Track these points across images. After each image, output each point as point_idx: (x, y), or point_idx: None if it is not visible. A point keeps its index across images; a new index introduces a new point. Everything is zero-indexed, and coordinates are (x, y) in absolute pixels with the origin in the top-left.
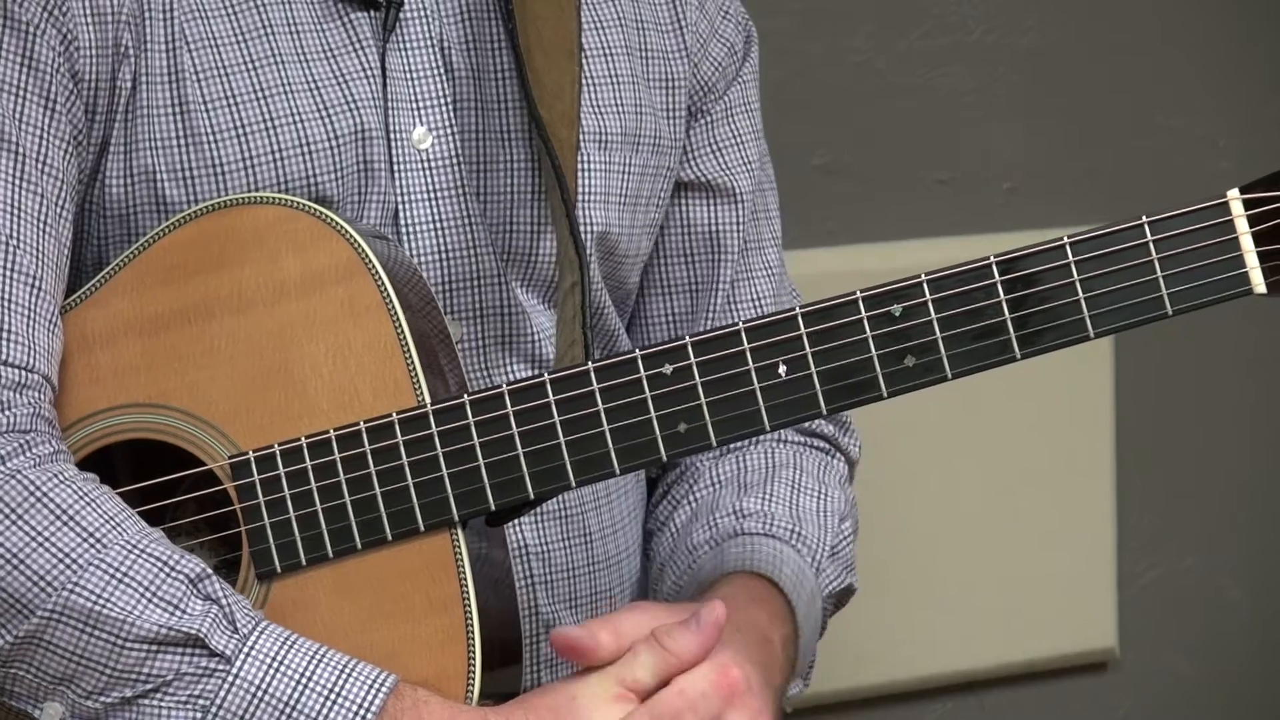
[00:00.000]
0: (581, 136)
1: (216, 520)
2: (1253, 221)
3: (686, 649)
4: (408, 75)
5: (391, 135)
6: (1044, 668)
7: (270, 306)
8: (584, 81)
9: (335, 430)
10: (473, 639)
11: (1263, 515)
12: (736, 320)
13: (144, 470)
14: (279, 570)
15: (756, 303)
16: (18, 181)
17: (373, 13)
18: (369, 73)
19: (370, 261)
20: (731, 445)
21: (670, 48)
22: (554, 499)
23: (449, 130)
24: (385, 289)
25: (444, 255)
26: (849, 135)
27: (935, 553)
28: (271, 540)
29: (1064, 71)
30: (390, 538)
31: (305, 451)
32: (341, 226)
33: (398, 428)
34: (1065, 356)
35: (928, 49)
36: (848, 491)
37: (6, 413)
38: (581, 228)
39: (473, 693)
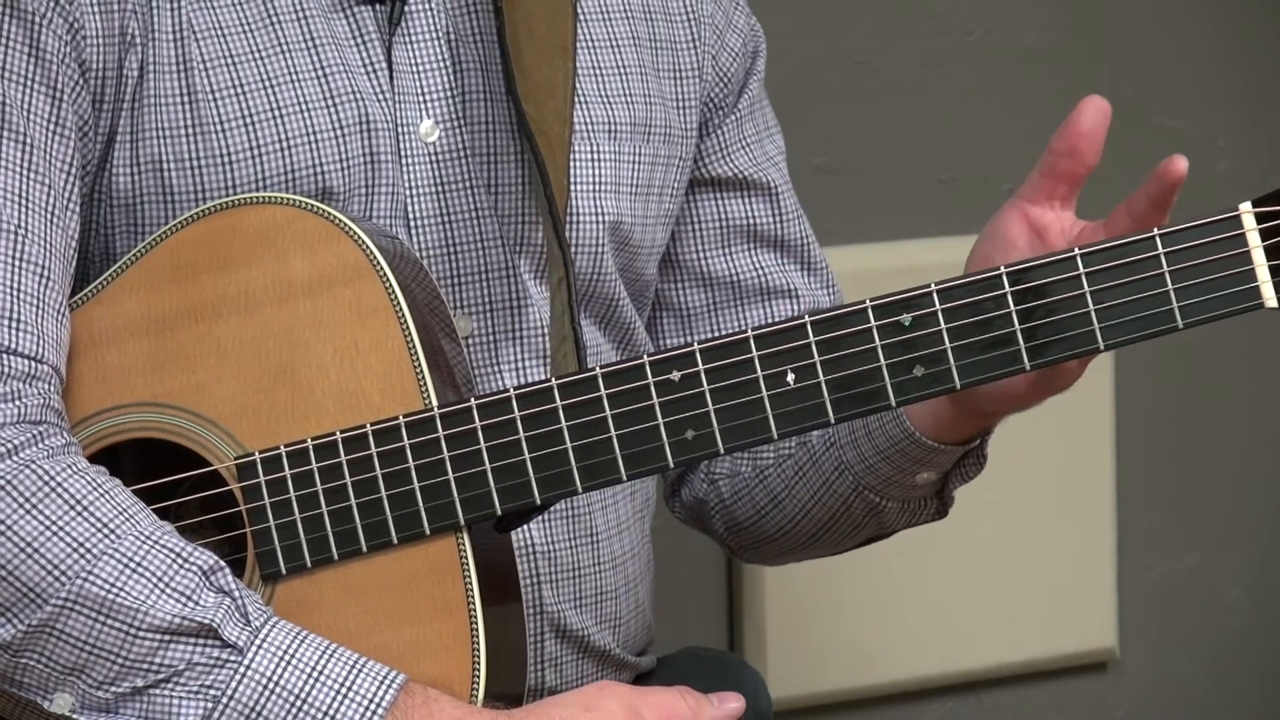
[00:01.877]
0: (589, 128)
1: (221, 521)
2: (1264, 235)
3: (703, 714)
4: (414, 68)
5: (399, 128)
6: (1044, 668)
7: (277, 307)
8: (592, 72)
9: (341, 432)
10: (478, 642)
11: (1262, 515)
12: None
13: (149, 470)
14: (284, 572)
15: (793, 295)
16: (25, 172)
17: (377, 6)
18: (375, 66)
19: (378, 262)
20: None
21: (680, 38)
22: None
23: (456, 123)
24: (393, 290)
25: (452, 249)
26: (849, 135)
27: (935, 553)
28: (277, 542)
29: (1064, 71)
30: (395, 541)
31: (311, 453)
32: (349, 227)
33: (404, 431)
34: None
35: (928, 49)
36: None
37: (18, 403)
38: (592, 218)
39: (477, 696)
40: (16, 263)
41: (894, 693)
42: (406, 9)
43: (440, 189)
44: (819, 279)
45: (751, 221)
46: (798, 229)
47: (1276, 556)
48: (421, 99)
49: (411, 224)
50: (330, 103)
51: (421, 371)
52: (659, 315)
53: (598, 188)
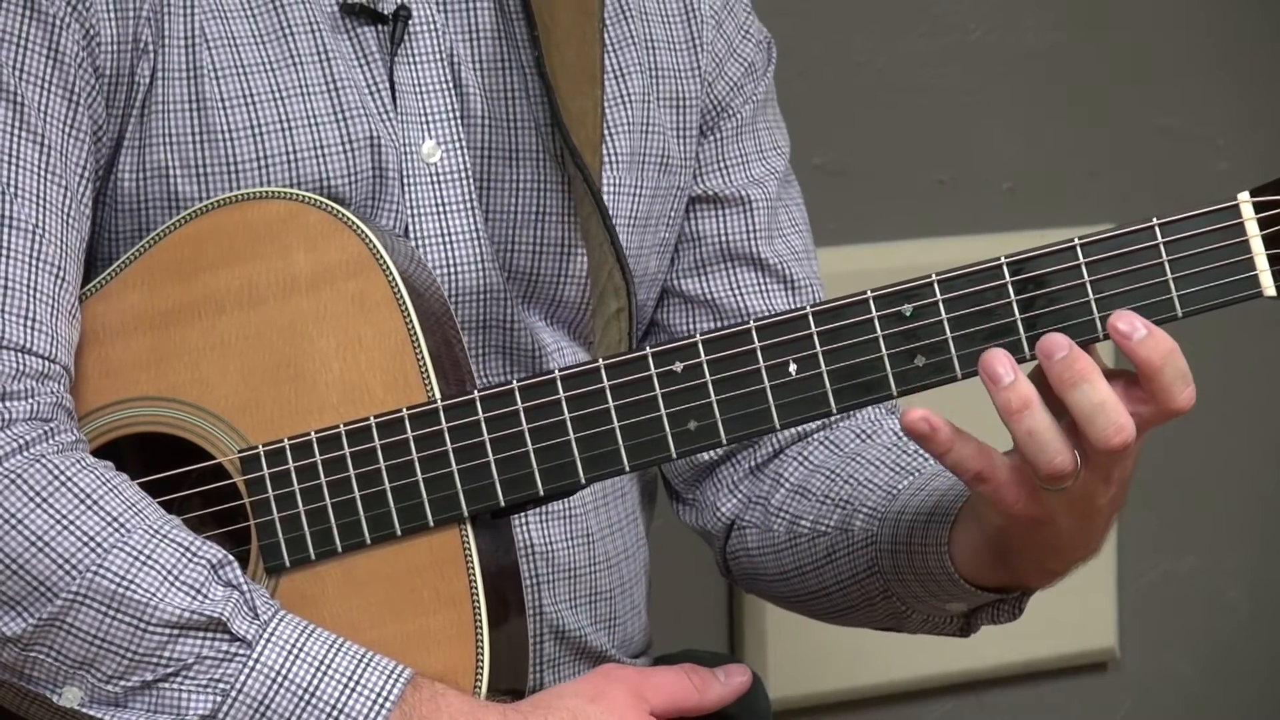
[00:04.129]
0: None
1: (224, 514)
2: (1263, 224)
3: (710, 691)
4: (416, 89)
5: (401, 148)
6: (1044, 668)
7: (281, 301)
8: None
9: (345, 425)
10: (481, 634)
11: (1263, 515)
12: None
13: (153, 464)
14: (287, 565)
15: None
16: (44, 173)
17: (380, 27)
18: (378, 86)
19: (381, 256)
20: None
21: (683, 66)
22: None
23: (458, 145)
24: (396, 284)
25: (452, 269)
26: (849, 135)
27: None
28: (280, 534)
29: (1064, 71)
30: (399, 533)
31: (315, 446)
32: (353, 222)
33: (408, 423)
34: None
35: (928, 49)
36: None
37: (30, 400)
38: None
39: (481, 688)
40: (35, 262)
41: (894, 693)
42: (409, 30)
43: (441, 209)
44: (805, 298)
45: (724, 239)
46: (783, 246)
47: (1276, 556)
48: (424, 119)
49: (413, 242)
50: (339, 117)
51: (424, 364)
52: (654, 335)
53: None
